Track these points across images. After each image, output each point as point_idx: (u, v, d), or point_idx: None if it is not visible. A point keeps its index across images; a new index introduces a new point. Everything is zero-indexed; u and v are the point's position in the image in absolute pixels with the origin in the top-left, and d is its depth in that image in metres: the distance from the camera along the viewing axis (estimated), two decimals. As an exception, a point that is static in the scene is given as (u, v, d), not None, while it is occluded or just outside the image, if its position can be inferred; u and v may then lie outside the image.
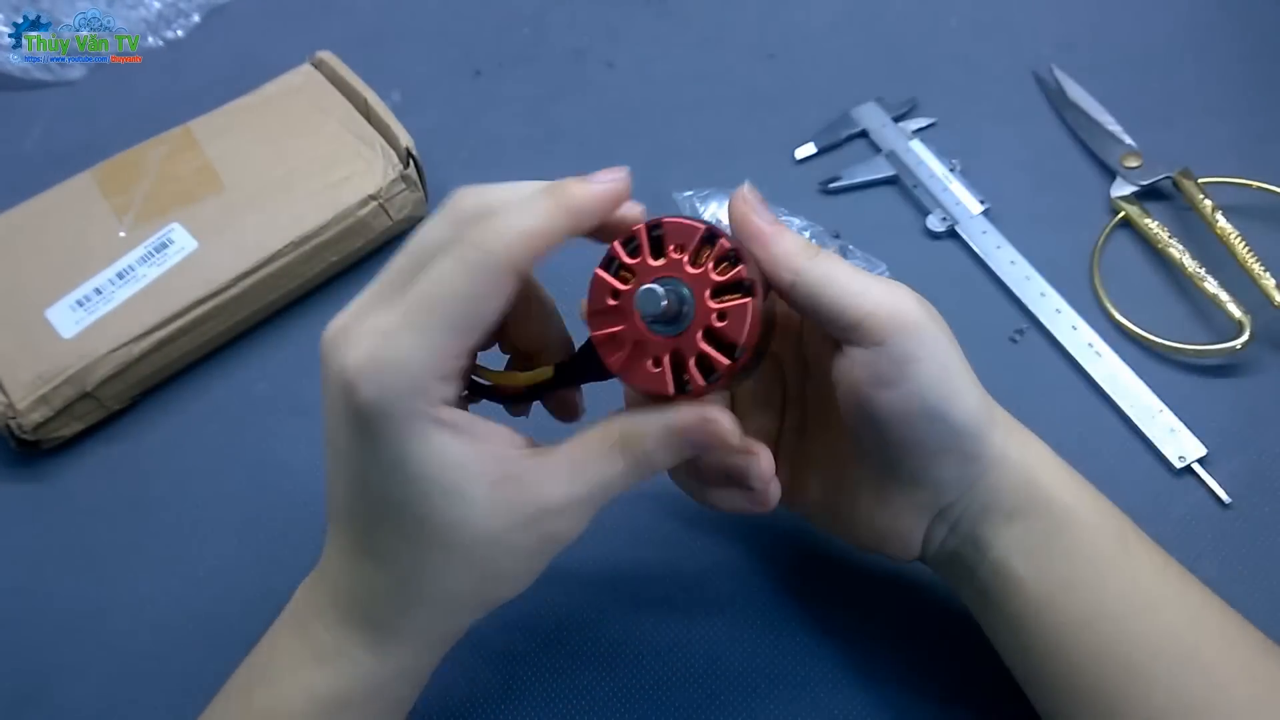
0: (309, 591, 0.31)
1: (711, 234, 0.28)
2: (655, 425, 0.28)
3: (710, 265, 0.28)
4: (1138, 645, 0.30)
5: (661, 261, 0.28)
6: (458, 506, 0.26)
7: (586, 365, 0.30)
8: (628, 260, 0.28)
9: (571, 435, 0.29)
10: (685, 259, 0.28)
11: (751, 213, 0.29)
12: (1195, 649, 0.30)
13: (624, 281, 0.28)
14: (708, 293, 0.27)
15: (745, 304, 0.27)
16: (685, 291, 0.28)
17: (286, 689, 0.29)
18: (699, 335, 0.27)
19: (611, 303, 0.28)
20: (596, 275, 0.28)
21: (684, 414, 0.28)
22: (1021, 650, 0.32)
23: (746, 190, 0.29)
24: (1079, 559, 0.31)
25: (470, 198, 0.27)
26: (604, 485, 0.28)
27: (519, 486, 0.27)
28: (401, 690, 0.31)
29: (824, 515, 0.36)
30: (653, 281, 0.27)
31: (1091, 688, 0.30)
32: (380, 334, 0.25)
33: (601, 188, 0.27)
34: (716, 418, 0.28)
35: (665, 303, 0.26)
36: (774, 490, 0.31)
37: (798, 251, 0.29)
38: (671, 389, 0.28)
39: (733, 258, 0.28)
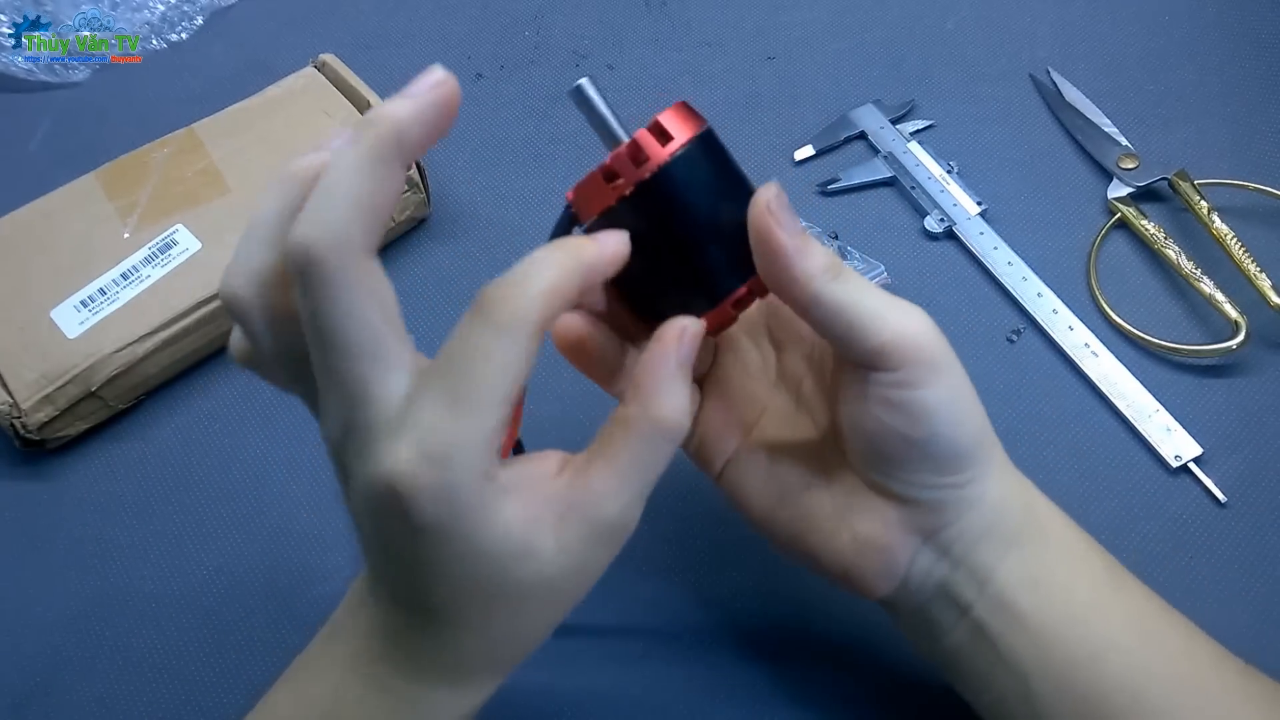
0: (364, 645, 0.29)
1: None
2: (652, 366, 0.27)
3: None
4: (1146, 676, 0.29)
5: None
6: (531, 563, 0.26)
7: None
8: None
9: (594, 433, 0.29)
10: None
11: (775, 226, 0.28)
12: (1195, 675, 0.30)
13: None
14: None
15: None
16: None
17: None
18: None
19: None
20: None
21: (663, 331, 0.28)
22: (1023, 697, 0.30)
23: (772, 199, 0.28)
24: (1081, 590, 0.31)
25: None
26: (647, 469, 0.27)
27: (578, 518, 0.26)
28: None
29: (794, 524, 0.33)
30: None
31: None
32: (426, 429, 0.24)
33: (611, 249, 0.28)
34: (685, 323, 0.28)
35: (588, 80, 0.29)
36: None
37: (818, 273, 0.28)
38: (600, 170, 0.29)
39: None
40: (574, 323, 0.32)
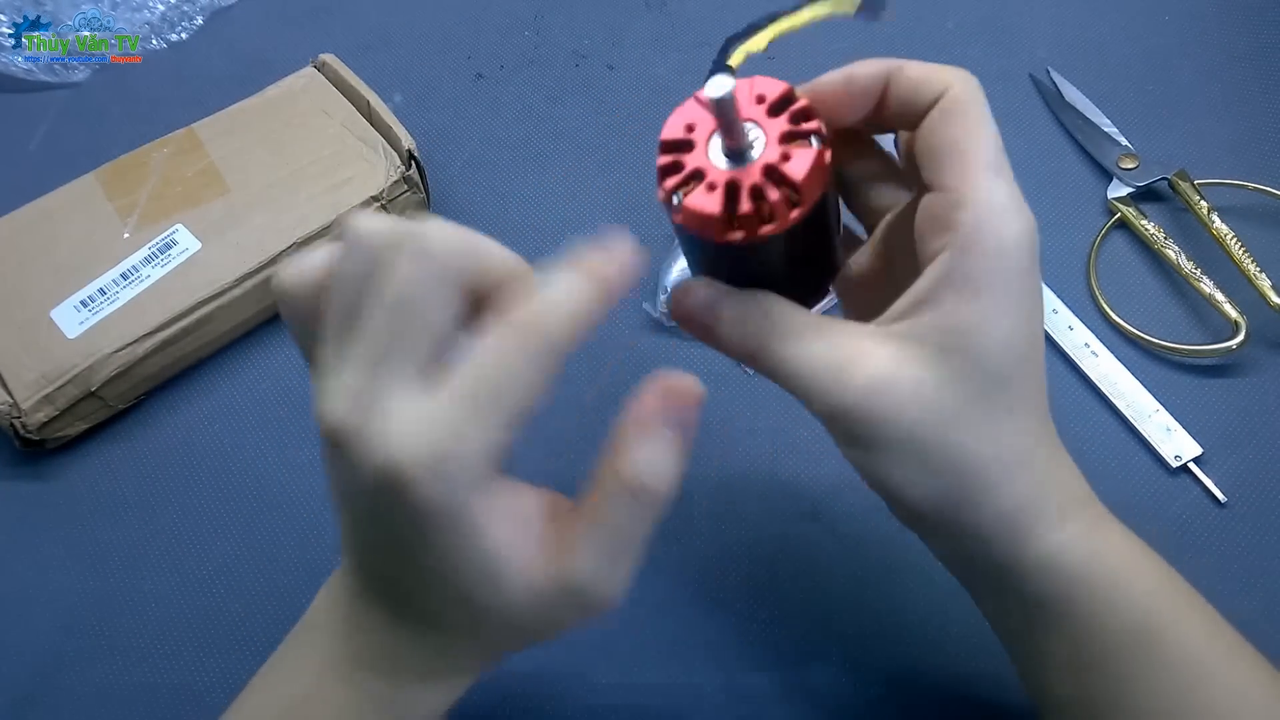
0: (340, 640, 0.29)
1: (791, 94, 0.28)
2: (650, 455, 0.25)
3: (785, 117, 0.27)
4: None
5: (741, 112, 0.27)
6: (494, 592, 0.25)
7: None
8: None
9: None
10: (765, 108, 0.27)
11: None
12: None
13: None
14: (778, 135, 0.27)
15: (810, 148, 0.27)
16: (759, 131, 0.27)
17: None
18: (760, 166, 0.27)
19: (687, 135, 0.28)
20: (676, 111, 0.29)
21: (653, 389, 0.26)
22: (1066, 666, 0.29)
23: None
24: (1108, 670, 0.28)
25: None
26: (621, 535, 0.26)
27: (550, 573, 0.25)
28: None
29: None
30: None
31: None
32: (439, 425, 0.23)
33: (625, 263, 0.26)
34: (682, 378, 0.26)
35: (733, 86, 0.25)
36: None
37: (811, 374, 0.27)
38: (720, 207, 0.26)
39: (807, 114, 0.27)
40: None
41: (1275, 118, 0.54)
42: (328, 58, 0.57)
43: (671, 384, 0.26)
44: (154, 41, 0.66)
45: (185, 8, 0.66)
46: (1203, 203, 0.49)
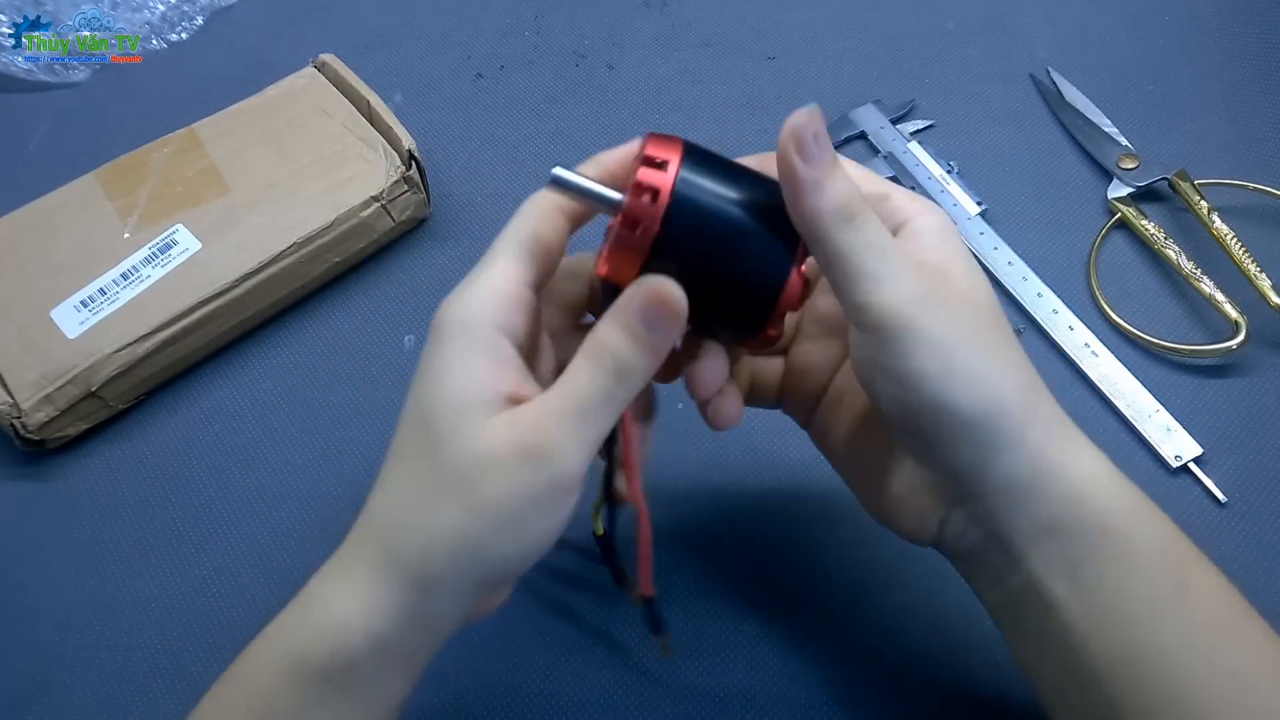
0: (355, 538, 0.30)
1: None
2: (607, 316, 0.28)
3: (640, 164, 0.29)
4: (1192, 686, 0.28)
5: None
6: (461, 423, 0.27)
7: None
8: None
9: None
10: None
11: (794, 153, 0.27)
12: (1253, 692, 0.28)
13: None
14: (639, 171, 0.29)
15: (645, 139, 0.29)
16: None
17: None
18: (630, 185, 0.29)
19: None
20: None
21: (628, 290, 0.28)
22: (1056, 675, 0.30)
23: (800, 120, 0.27)
24: (1133, 593, 0.28)
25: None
26: (583, 399, 0.27)
27: (515, 412, 0.27)
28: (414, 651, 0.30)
29: (845, 465, 0.35)
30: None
31: None
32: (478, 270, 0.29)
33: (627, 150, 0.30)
34: (659, 283, 0.27)
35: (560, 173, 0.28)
36: (722, 409, 0.32)
37: (827, 212, 0.27)
38: (621, 227, 0.28)
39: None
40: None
41: (1275, 118, 0.54)
42: (328, 58, 0.57)
43: (659, 287, 0.27)
44: (154, 41, 0.66)
45: (185, 8, 0.66)
46: (1203, 203, 0.49)
